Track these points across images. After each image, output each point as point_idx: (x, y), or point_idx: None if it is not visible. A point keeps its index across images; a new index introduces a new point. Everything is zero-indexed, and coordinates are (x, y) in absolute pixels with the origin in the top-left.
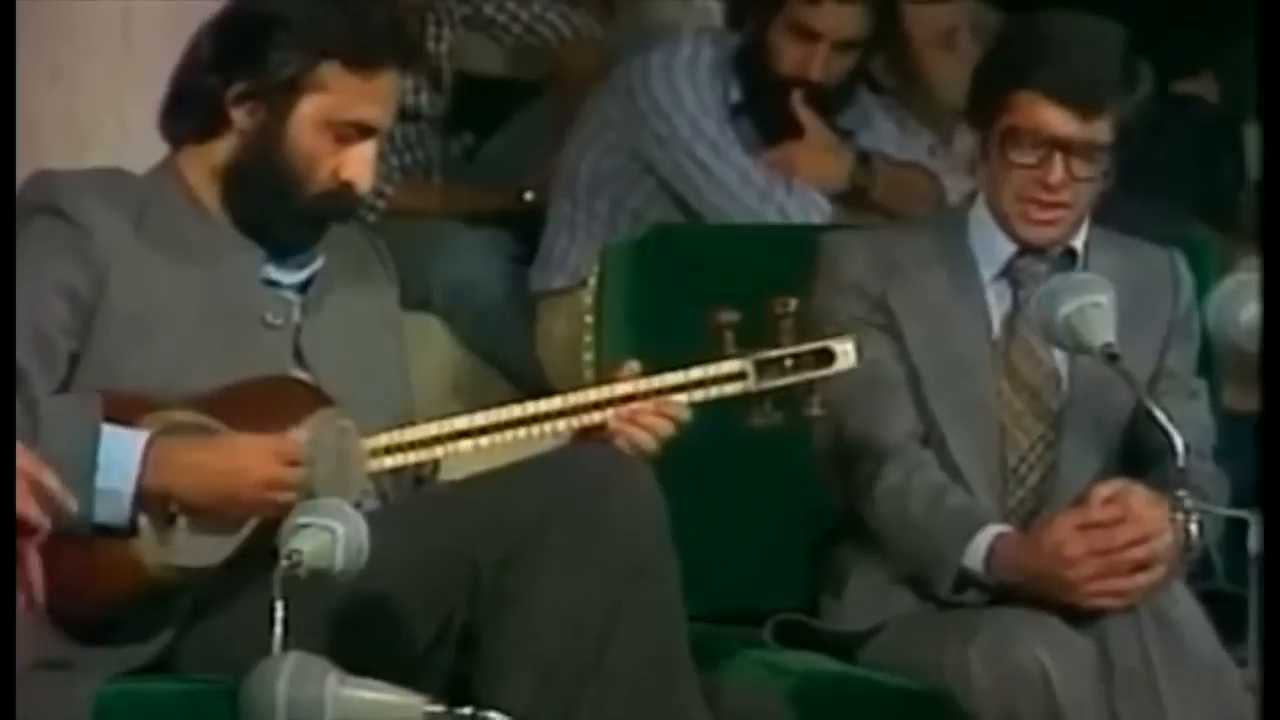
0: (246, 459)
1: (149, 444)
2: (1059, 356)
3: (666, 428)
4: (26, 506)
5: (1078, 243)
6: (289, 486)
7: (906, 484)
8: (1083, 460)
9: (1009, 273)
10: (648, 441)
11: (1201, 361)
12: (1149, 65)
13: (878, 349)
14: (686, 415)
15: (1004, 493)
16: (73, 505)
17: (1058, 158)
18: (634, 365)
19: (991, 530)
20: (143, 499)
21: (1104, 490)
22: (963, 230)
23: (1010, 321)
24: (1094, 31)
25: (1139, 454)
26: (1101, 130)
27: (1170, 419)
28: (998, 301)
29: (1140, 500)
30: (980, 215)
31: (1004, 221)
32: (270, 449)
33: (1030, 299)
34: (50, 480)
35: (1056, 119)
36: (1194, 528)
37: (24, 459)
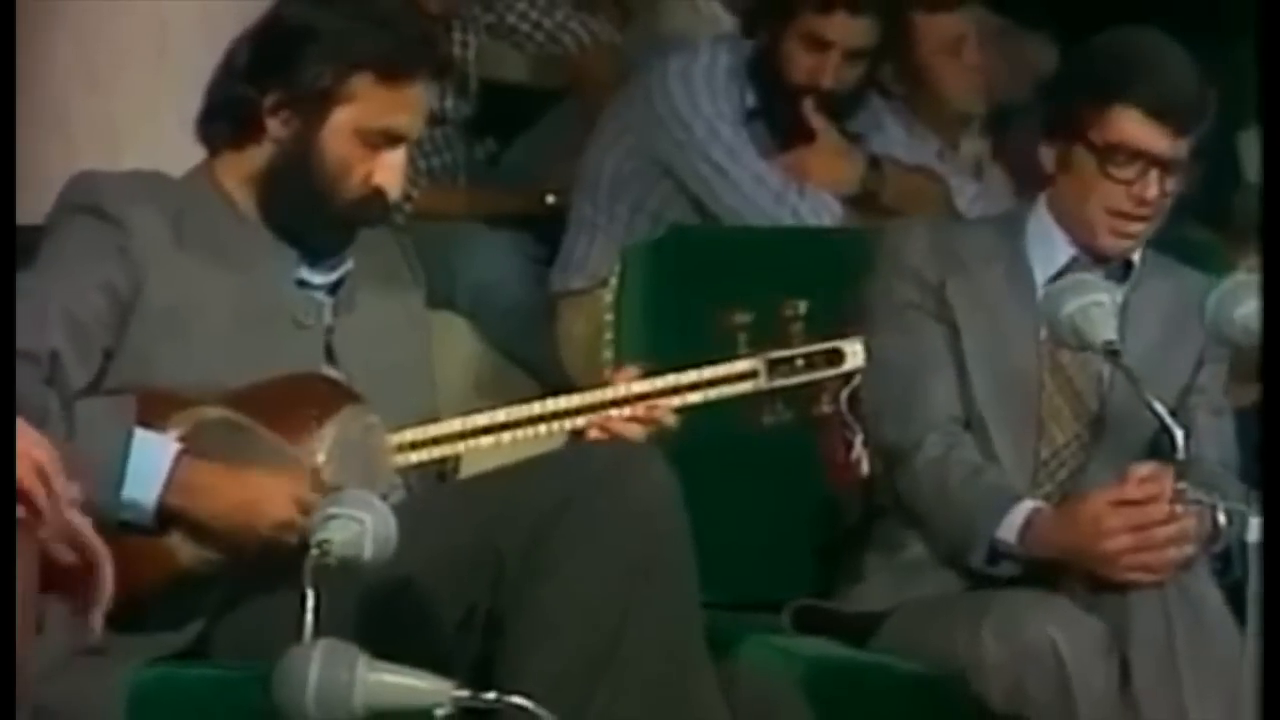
0: (266, 496)
1: (176, 460)
2: (1105, 365)
3: (638, 432)
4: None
5: (1136, 255)
6: (297, 531)
7: (946, 458)
8: (1112, 463)
9: (1064, 277)
10: (638, 433)
11: None
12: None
13: (930, 333)
14: (671, 420)
15: (1033, 484)
16: (106, 565)
17: (1154, 174)
18: (631, 370)
19: (1027, 504)
20: (162, 511)
21: (1141, 470)
22: (1020, 232)
23: None
24: (1178, 53)
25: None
26: (1183, 149)
27: (1197, 429)
28: None
29: (1173, 482)
30: (1040, 218)
31: (1079, 228)
32: (291, 493)
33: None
34: (77, 520)
35: (1153, 136)
36: (1221, 518)
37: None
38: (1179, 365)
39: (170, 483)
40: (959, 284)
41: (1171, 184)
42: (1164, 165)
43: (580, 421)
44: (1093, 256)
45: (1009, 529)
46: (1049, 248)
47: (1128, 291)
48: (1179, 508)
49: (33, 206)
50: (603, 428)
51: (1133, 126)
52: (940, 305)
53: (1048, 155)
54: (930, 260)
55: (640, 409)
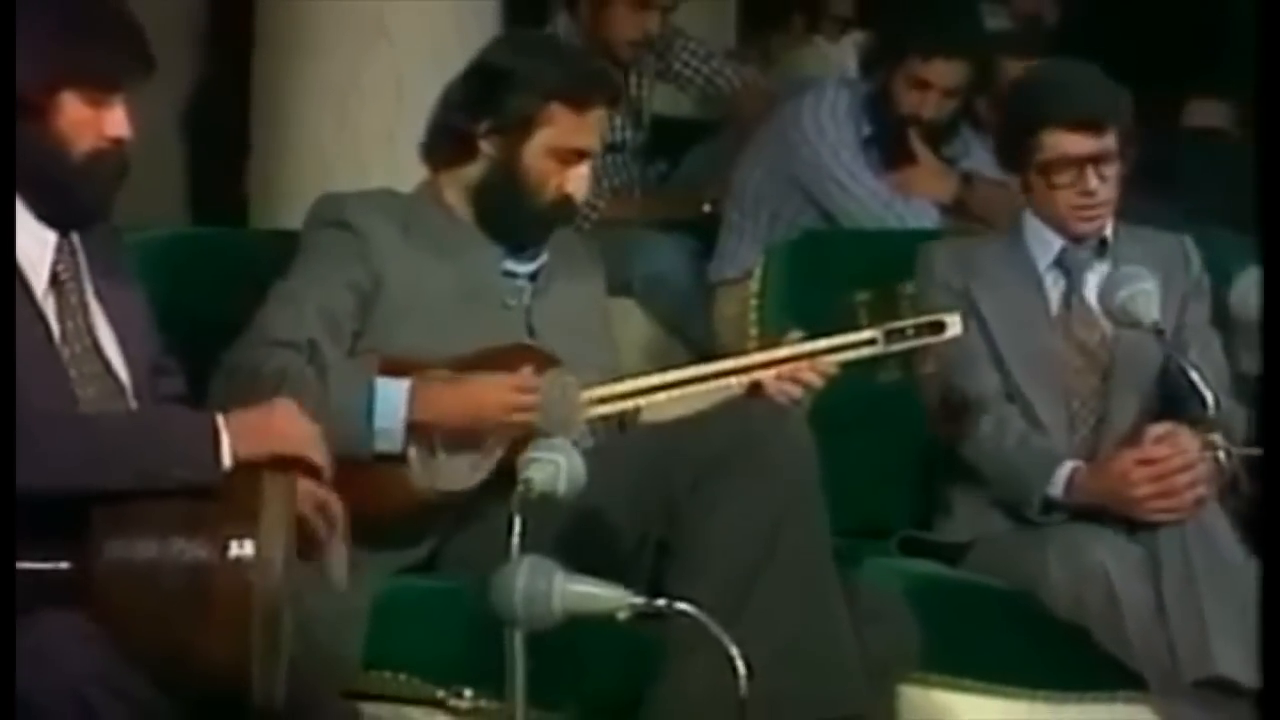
0: (491, 392)
1: (412, 388)
2: (1107, 325)
3: (817, 381)
4: (315, 456)
5: (1108, 233)
6: (526, 408)
7: (1000, 432)
8: (1127, 403)
9: (1060, 262)
10: (797, 393)
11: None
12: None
13: (966, 329)
14: (834, 371)
15: (1070, 431)
16: (329, 470)
17: (1089, 171)
18: (796, 333)
19: (1068, 465)
20: (412, 432)
21: (1156, 430)
22: (1020, 234)
23: (1067, 299)
24: (1080, 71)
25: (1170, 397)
26: (1109, 140)
27: (1194, 362)
28: (1054, 285)
29: (1185, 437)
30: (1031, 222)
31: (1058, 225)
32: (507, 383)
33: (1092, 285)
34: (317, 453)
35: (1077, 143)
36: (1223, 456)
37: (306, 427)
38: (1168, 312)
39: (411, 403)
40: (979, 285)
41: (1109, 169)
42: (1095, 160)
43: (735, 381)
44: (1076, 241)
45: (1056, 486)
46: (1044, 242)
47: (1110, 262)
48: (1197, 457)
49: (294, 216)
50: (788, 379)
51: (1058, 142)
52: (969, 303)
53: (1014, 182)
54: (953, 270)
55: (795, 370)
